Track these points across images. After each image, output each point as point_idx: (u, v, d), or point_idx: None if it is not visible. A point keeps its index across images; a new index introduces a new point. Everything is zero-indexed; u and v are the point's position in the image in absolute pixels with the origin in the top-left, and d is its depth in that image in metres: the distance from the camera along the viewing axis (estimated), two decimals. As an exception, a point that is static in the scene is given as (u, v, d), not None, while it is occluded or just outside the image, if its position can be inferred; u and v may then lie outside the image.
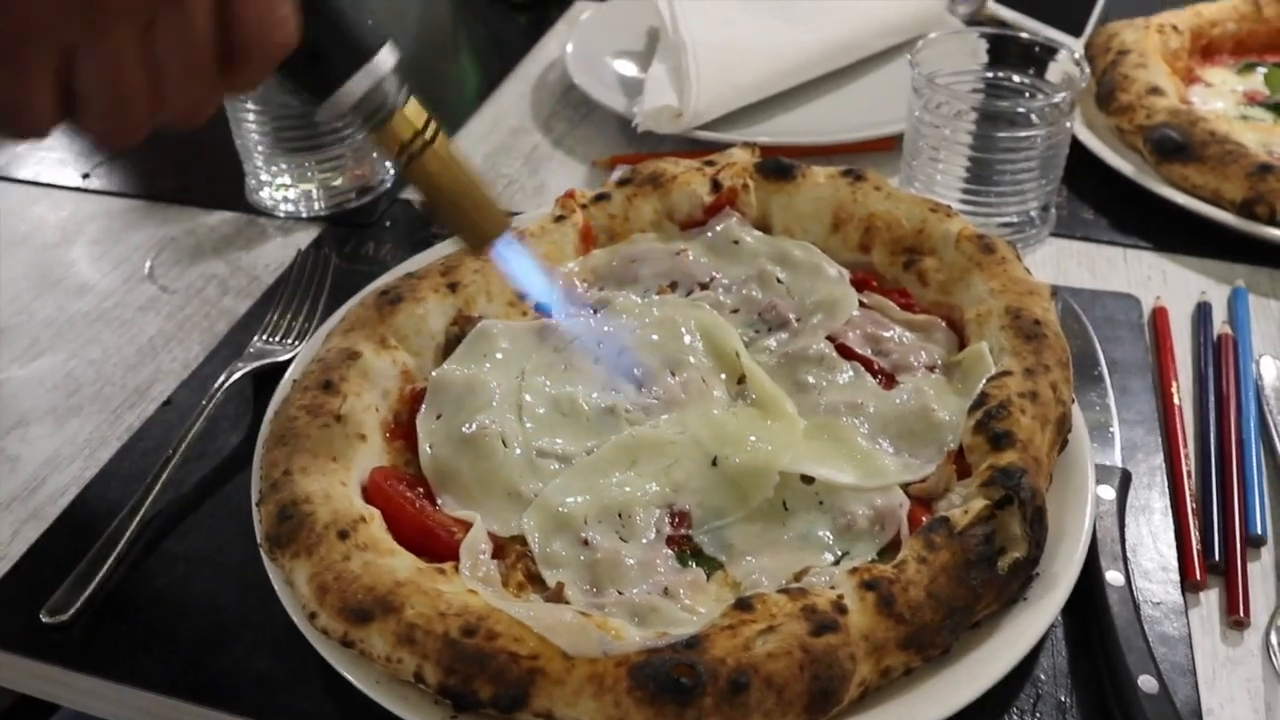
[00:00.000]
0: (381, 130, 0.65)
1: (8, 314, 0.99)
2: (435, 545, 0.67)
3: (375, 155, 1.12)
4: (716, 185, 0.92)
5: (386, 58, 0.64)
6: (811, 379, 0.79)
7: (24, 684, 0.70)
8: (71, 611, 0.69)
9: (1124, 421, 0.83)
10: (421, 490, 0.71)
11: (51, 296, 1.01)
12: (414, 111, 0.66)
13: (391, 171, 1.15)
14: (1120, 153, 1.13)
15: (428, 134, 0.66)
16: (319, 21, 0.61)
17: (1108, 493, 0.74)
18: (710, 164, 0.94)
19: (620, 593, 0.65)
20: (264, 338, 0.90)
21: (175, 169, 1.20)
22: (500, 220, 0.72)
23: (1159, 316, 0.94)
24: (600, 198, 0.93)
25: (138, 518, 0.74)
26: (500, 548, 0.68)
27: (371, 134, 0.66)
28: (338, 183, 1.10)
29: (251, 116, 1.05)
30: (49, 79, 0.55)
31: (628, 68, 1.30)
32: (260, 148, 1.07)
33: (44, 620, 0.69)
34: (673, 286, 0.87)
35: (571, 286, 0.88)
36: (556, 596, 0.65)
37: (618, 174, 0.95)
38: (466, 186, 0.69)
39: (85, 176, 1.18)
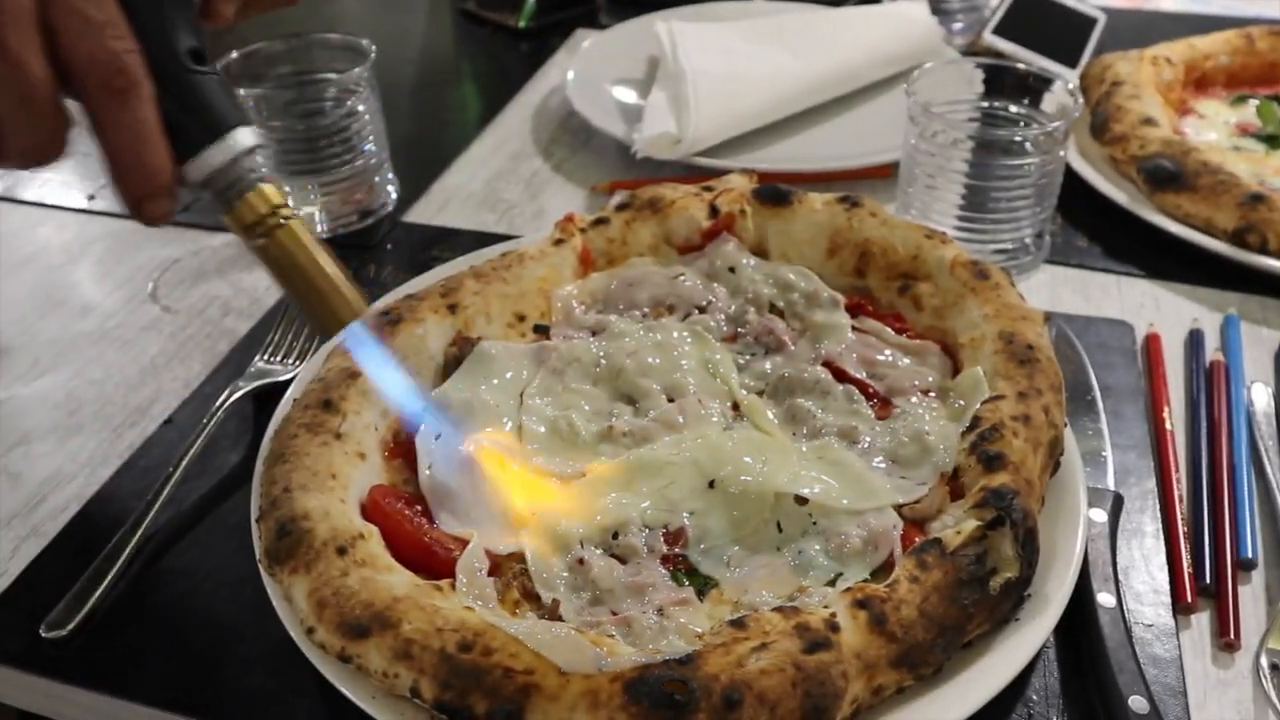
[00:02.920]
0: (233, 207, 0.65)
1: (12, 333, 1.00)
2: (433, 562, 0.68)
3: (377, 180, 1.14)
4: (714, 211, 0.93)
5: (245, 137, 0.64)
6: (807, 402, 0.80)
7: (23, 699, 0.71)
8: (71, 627, 0.70)
9: (1117, 446, 0.84)
10: (420, 508, 0.72)
11: (55, 316, 1.02)
12: (270, 192, 0.65)
13: (394, 195, 1.16)
14: (1114, 181, 1.14)
15: (282, 214, 0.65)
16: (180, 90, 0.62)
17: (1100, 515, 0.75)
18: (708, 190, 0.96)
19: (615, 611, 0.65)
20: (265, 358, 0.91)
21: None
22: (352, 308, 0.68)
23: (1152, 343, 0.95)
24: (599, 222, 0.94)
25: (138, 534, 0.75)
26: (497, 565, 0.68)
27: (224, 210, 0.65)
28: (340, 206, 1.11)
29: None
30: None
31: (627, 95, 1.32)
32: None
33: (44, 635, 0.69)
34: (670, 310, 0.88)
35: (570, 309, 0.89)
36: (552, 614, 0.65)
37: (617, 199, 0.96)
38: (318, 271, 0.67)
39: (90, 198, 1.20)
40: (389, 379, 0.76)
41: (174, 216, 0.64)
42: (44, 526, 0.79)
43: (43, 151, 0.61)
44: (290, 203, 0.67)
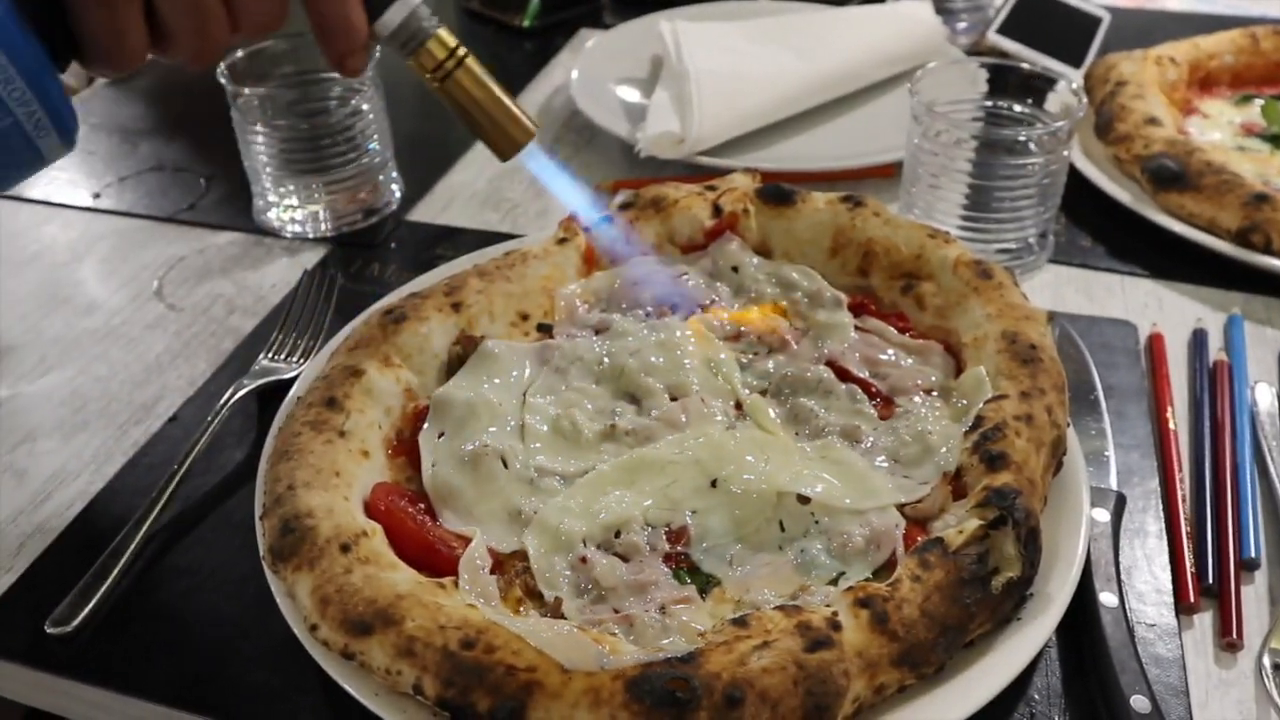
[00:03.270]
0: (417, 54, 0.75)
1: (17, 331, 1.00)
2: (436, 560, 0.68)
3: (381, 178, 1.14)
4: (717, 210, 0.94)
5: None
6: (809, 402, 0.80)
7: (29, 695, 0.71)
8: (76, 623, 0.70)
9: (1120, 446, 0.84)
10: (423, 506, 0.72)
11: (60, 314, 1.02)
12: (446, 36, 0.75)
13: (398, 194, 1.17)
14: (1118, 181, 1.14)
15: (459, 54, 0.76)
16: None
17: (1103, 515, 0.75)
18: (711, 189, 0.96)
19: (617, 609, 0.65)
20: (269, 356, 0.91)
21: (184, 190, 1.21)
22: (527, 129, 0.79)
23: (1155, 343, 0.94)
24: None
25: (142, 531, 0.75)
26: (499, 563, 0.69)
27: (409, 58, 0.75)
28: (344, 204, 1.12)
29: (260, 138, 1.06)
30: (138, 13, 0.65)
31: (631, 94, 1.32)
32: (268, 169, 1.09)
33: (49, 632, 0.69)
34: (673, 309, 0.88)
35: (573, 308, 0.89)
36: (554, 612, 0.65)
37: (620, 198, 0.96)
38: (494, 100, 0.78)
39: (96, 196, 1.20)
40: (568, 191, 0.91)
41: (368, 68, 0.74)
42: (49, 523, 0.79)
43: (271, 20, 0.71)
44: (460, 45, 0.76)
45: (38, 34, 0.63)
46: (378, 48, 0.76)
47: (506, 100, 0.78)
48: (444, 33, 0.76)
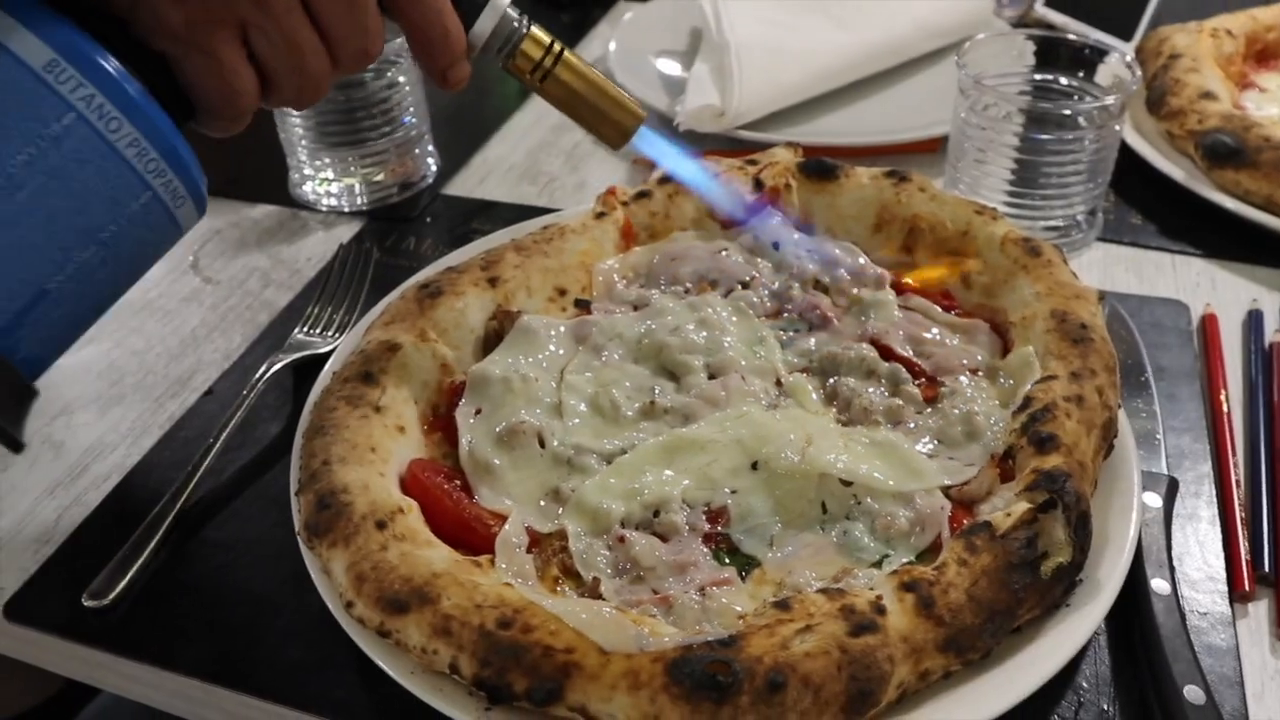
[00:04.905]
0: (514, 57, 0.72)
1: (55, 303, 1.00)
2: (472, 538, 0.67)
3: (417, 152, 1.13)
4: (758, 184, 0.92)
5: None
6: (851, 381, 0.78)
7: (65, 666, 0.71)
8: (113, 596, 0.70)
9: (1171, 429, 0.81)
10: (459, 483, 0.71)
11: (98, 286, 1.02)
12: (540, 34, 0.73)
13: (434, 167, 1.15)
14: (1170, 158, 1.11)
15: (555, 50, 0.73)
16: None
17: (1154, 500, 0.73)
18: (752, 163, 0.94)
19: (656, 590, 0.64)
20: (305, 330, 0.90)
21: (220, 163, 1.20)
22: (635, 114, 0.77)
23: (1208, 323, 0.92)
24: (641, 195, 0.92)
25: (178, 505, 0.75)
26: (536, 541, 0.68)
27: (507, 63, 0.73)
28: (380, 178, 1.11)
29: (295, 112, 1.05)
30: (241, 58, 0.64)
31: (670, 67, 1.30)
32: (304, 142, 1.08)
33: (85, 604, 0.69)
34: (713, 285, 0.87)
35: (612, 284, 0.87)
36: (593, 592, 0.64)
37: (659, 172, 0.94)
38: (598, 90, 0.75)
39: (132, 169, 1.20)
40: (688, 170, 0.87)
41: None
42: (86, 496, 0.79)
43: (370, 51, 0.68)
44: (555, 40, 0.73)
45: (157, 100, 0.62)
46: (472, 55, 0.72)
47: (609, 88, 0.75)
48: (537, 30, 0.73)
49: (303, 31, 0.64)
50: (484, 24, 0.71)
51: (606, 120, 0.76)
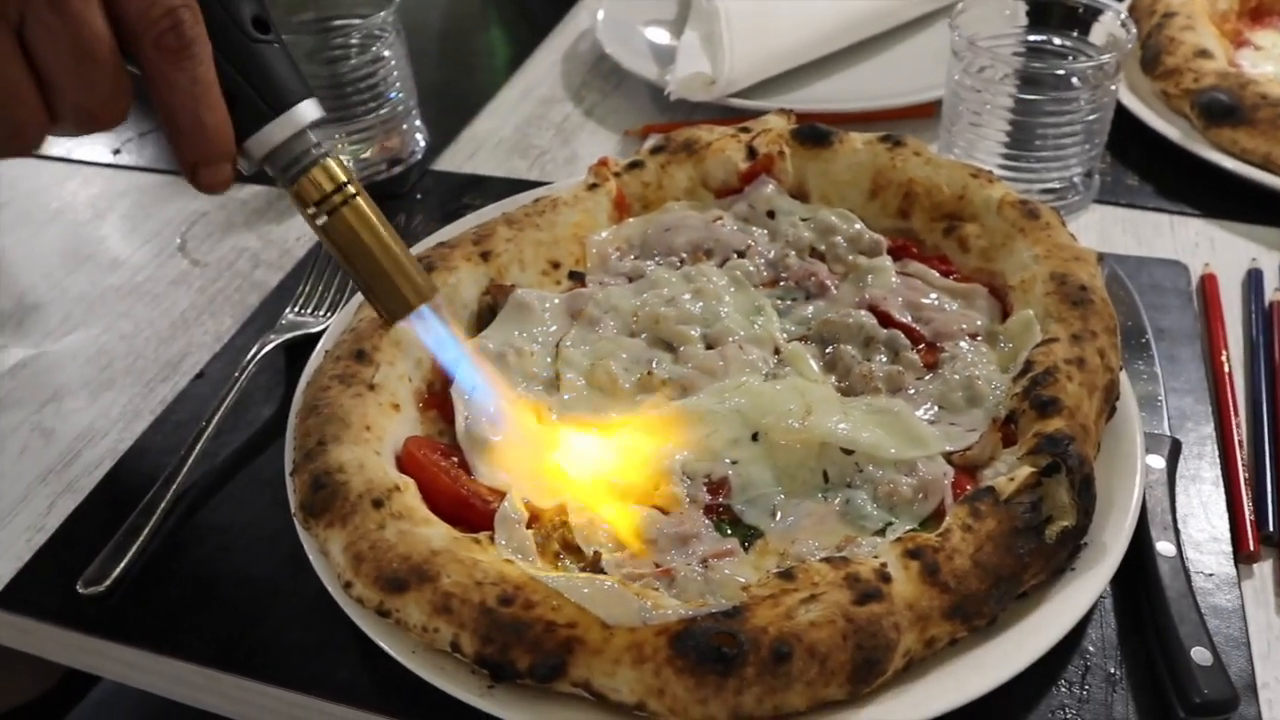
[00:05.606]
0: (297, 184, 0.63)
1: (41, 289, 0.99)
2: (470, 514, 0.66)
3: (405, 127, 1.11)
4: (752, 152, 0.91)
5: (308, 111, 0.62)
6: (850, 348, 0.77)
7: (62, 655, 0.70)
8: (108, 583, 0.69)
9: (1172, 390, 0.81)
10: (456, 460, 0.70)
11: (84, 272, 1.01)
12: (334, 168, 0.64)
13: (423, 143, 1.14)
14: (1166, 117, 1.10)
15: (348, 190, 0.64)
16: (241, 59, 0.59)
17: (1157, 462, 0.72)
18: (745, 131, 0.93)
19: (658, 563, 0.64)
20: (296, 309, 0.89)
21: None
22: (422, 290, 0.68)
23: (1208, 283, 0.91)
24: (634, 165, 0.91)
25: (172, 489, 0.74)
26: (535, 516, 0.67)
27: (286, 186, 0.64)
28: (368, 154, 1.09)
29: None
30: None
31: (660, 36, 1.28)
32: (290, 120, 1.06)
33: (81, 592, 0.69)
34: (708, 254, 0.86)
35: (606, 255, 0.86)
36: (593, 566, 0.64)
37: (651, 142, 0.93)
38: (386, 250, 0.66)
39: (116, 152, 1.18)
40: (461, 367, 0.72)
41: (230, 186, 0.62)
42: (79, 482, 0.79)
43: (100, 114, 0.58)
44: (353, 180, 0.64)
45: None
46: (249, 165, 0.63)
47: (401, 252, 0.66)
48: (333, 161, 0.64)
49: (10, 73, 0.54)
50: (270, 134, 0.61)
51: (388, 287, 0.66)
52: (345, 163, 0.65)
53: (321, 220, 0.64)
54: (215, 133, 0.59)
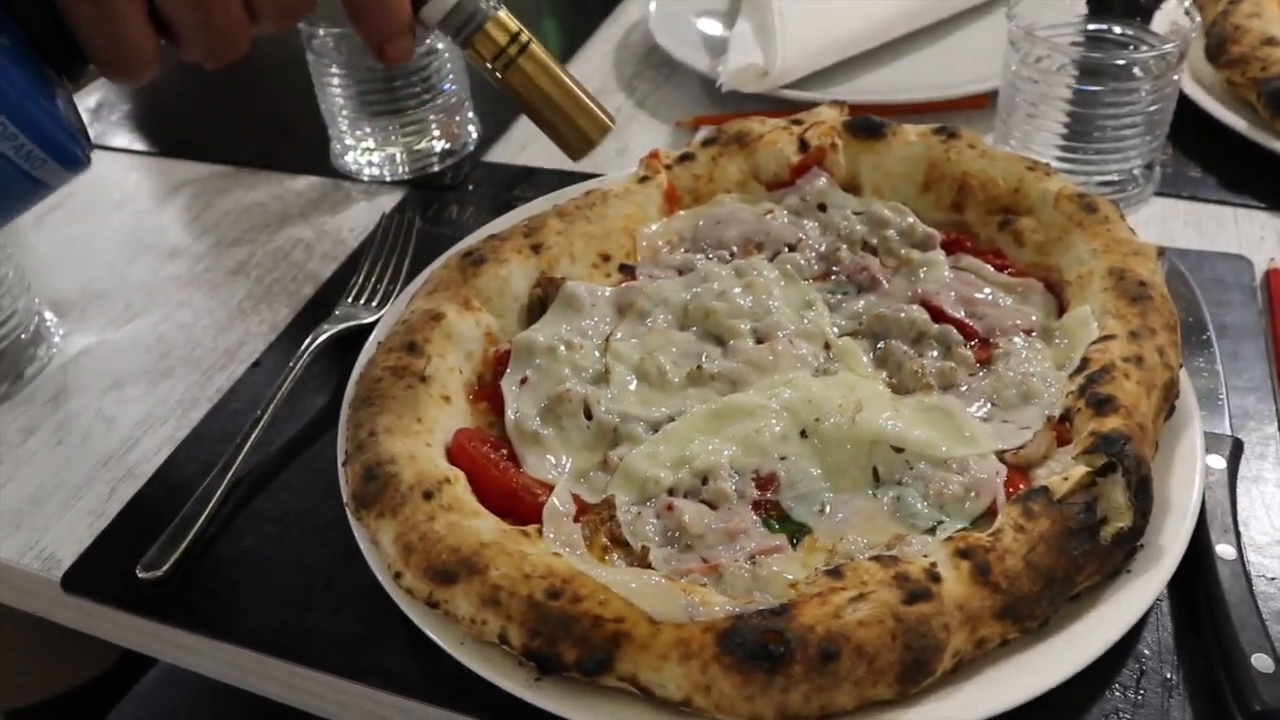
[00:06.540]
0: (474, 41, 0.67)
1: (104, 278, 1.01)
2: (519, 507, 0.67)
3: (458, 119, 1.12)
4: (804, 145, 0.90)
5: None
6: (902, 344, 0.76)
7: (122, 637, 0.72)
8: (166, 568, 0.70)
9: (1234, 389, 0.79)
10: (505, 452, 0.71)
11: (144, 261, 1.03)
12: (506, 19, 0.67)
13: (475, 135, 1.15)
14: (1230, 107, 1.07)
15: (521, 40, 0.67)
16: None
17: (1218, 462, 0.71)
18: (797, 123, 0.92)
19: (706, 558, 0.64)
20: (349, 300, 0.90)
21: (262, 136, 1.21)
22: (602, 123, 0.70)
23: (1273, 278, 0.89)
24: (685, 158, 0.91)
25: (228, 477, 0.75)
26: (584, 510, 0.67)
27: (464, 46, 0.67)
28: (421, 146, 1.10)
29: (336, 81, 1.05)
30: (135, 8, 0.57)
31: (712, 27, 1.28)
32: (345, 112, 1.07)
33: (140, 576, 0.70)
34: (759, 248, 0.85)
35: (656, 248, 0.86)
36: (641, 561, 0.64)
37: (702, 134, 0.93)
38: (564, 90, 0.69)
39: (176, 145, 1.20)
40: None
41: (414, 56, 0.65)
42: (138, 469, 0.80)
43: (293, 10, 0.61)
44: (523, 29, 0.67)
45: (34, 51, 0.57)
46: (429, 34, 0.66)
47: (578, 89, 0.69)
48: (504, 15, 0.67)
49: None
50: (442, 1, 0.65)
51: (570, 125, 0.69)
52: (512, 15, 0.68)
53: (498, 74, 0.68)
54: (396, 7, 0.63)
